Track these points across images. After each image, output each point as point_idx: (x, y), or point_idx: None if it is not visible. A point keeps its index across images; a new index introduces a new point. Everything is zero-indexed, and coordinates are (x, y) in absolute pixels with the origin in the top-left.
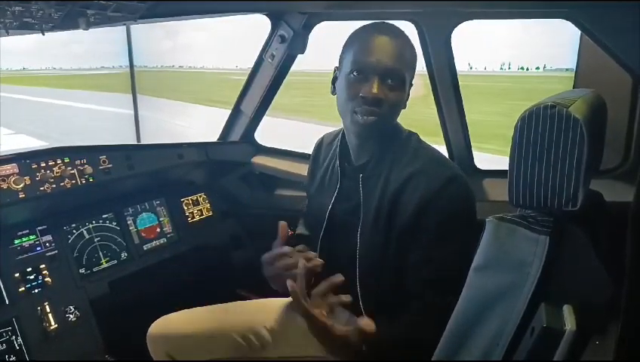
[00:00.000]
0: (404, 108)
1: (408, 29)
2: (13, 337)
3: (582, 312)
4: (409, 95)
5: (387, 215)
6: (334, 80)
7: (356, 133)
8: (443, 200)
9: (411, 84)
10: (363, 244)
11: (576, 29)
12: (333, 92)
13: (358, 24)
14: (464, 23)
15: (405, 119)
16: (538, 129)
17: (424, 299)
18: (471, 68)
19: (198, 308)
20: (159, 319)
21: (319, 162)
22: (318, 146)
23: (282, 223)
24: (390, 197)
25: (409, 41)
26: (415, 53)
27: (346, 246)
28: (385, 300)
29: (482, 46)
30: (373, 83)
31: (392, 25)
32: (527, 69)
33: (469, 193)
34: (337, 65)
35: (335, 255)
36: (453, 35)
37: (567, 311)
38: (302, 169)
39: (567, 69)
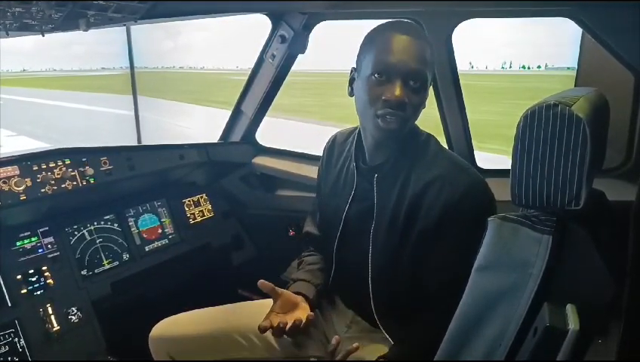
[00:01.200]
0: (424, 107)
1: None
2: (16, 339)
3: (584, 312)
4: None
5: (405, 217)
6: (351, 81)
7: (376, 135)
8: (467, 207)
9: (431, 83)
10: (376, 246)
11: (578, 27)
12: (351, 93)
13: (359, 24)
14: (465, 22)
15: None
16: (540, 128)
17: (445, 301)
18: (472, 67)
19: (200, 310)
20: (161, 321)
21: (332, 161)
22: (331, 144)
23: (261, 283)
24: (409, 200)
25: (427, 39)
26: (433, 51)
27: (358, 248)
28: (397, 302)
29: (483, 45)
30: (396, 85)
31: (410, 23)
32: (529, 68)
33: (490, 198)
34: (354, 65)
35: (349, 256)
36: (454, 34)
37: (571, 311)
38: (302, 169)
39: (568, 68)
